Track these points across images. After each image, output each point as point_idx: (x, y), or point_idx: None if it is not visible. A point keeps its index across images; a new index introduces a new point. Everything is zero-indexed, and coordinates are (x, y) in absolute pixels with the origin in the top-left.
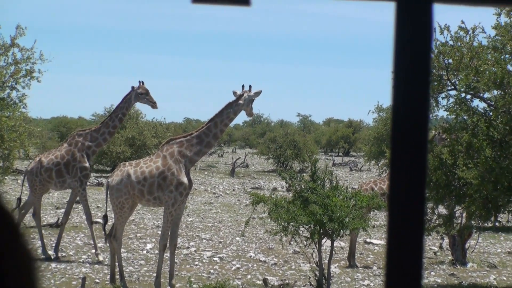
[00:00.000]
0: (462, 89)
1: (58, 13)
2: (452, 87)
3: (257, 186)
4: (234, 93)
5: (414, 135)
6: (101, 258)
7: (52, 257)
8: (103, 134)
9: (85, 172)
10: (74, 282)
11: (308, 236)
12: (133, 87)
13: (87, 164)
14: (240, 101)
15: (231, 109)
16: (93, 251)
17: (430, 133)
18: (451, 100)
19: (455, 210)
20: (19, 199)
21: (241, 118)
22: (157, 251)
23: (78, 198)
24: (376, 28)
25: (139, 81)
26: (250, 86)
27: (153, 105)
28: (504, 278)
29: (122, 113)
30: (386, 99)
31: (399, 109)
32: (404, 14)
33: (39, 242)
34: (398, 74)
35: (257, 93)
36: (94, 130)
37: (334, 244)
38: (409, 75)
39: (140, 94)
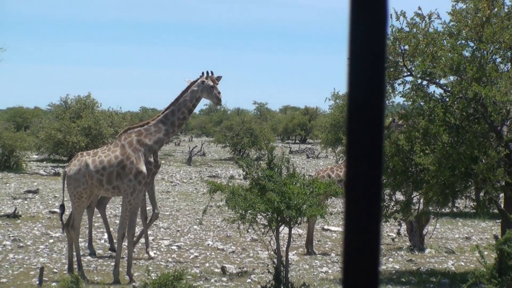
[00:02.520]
0: (419, 75)
1: (11, 1)
2: (408, 73)
3: (214, 174)
4: (188, 82)
5: (370, 121)
6: (152, 254)
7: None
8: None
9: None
10: (32, 272)
11: (266, 223)
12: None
13: (149, 159)
14: (194, 88)
15: (187, 97)
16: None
17: (386, 120)
18: (408, 86)
19: (412, 196)
20: None
21: (199, 106)
22: (115, 241)
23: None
24: (332, 14)
25: (208, 72)
26: (208, 72)
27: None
28: (462, 264)
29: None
30: (343, 86)
31: (355, 96)
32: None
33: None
34: (353, 61)
35: (218, 78)
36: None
37: (292, 232)
38: (364, 62)
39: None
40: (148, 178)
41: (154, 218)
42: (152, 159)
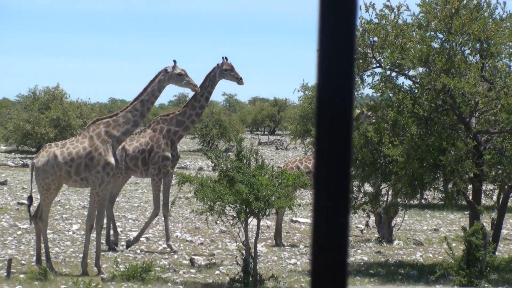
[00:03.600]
0: (388, 67)
1: None
2: (377, 64)
3: (183, 165)
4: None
5: (339, 113)
6: (174, 248)
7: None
8: (190, 116)
9: (166, 162)
10: (0, 264)
11: (235, 215)
12: (217, 64)
13: (169, 154)
14: (161, 77)
15: (155, 86)
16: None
17: (355, 111)
18: (377, 77)
19: (381, 188)
20: None
21: (166, 97)
22: (83, 232)
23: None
24: (301, 5)
25: (223, 57)
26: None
27: (239, 81)
28: (430, 255)
29: (208, 91)
30: (312, 77)
31: (324, 87)
32: None
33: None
34: (322, 52)
35: (182, 71)
36: (179, 114)
37: (261, 223)
38: (334, 53)
39: (224, 70)
40: (159, 176)
41: (153, 216)
42: (169, 154)
